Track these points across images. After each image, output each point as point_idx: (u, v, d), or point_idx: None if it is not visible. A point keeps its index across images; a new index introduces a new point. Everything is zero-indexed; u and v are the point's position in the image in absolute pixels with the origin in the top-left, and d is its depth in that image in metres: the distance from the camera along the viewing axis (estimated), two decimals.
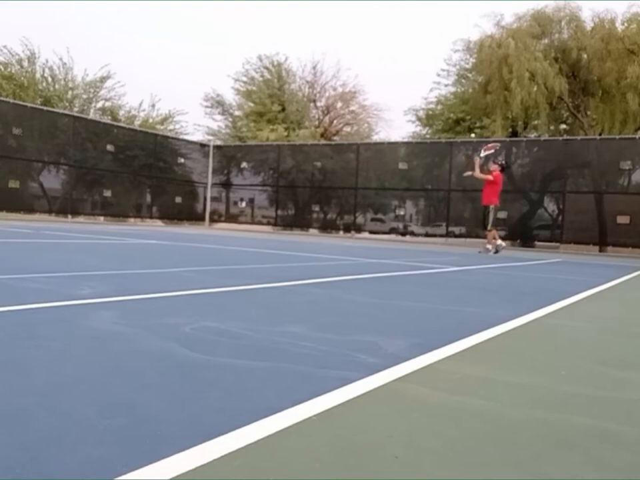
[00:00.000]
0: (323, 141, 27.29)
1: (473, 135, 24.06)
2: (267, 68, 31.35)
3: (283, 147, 22.42)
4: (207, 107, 32.44)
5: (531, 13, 21.05)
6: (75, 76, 26.49)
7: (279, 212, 21.77)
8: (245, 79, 31.55)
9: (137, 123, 27.64)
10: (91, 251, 6.69)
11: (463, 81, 26.27)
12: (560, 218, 17.75)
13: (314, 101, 32.23)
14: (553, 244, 17.23)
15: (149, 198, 21.04)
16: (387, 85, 54.89)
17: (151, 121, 28.48)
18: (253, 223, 22.20)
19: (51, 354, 1.74)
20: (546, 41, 21.25)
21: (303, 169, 21.36)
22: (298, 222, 21.28)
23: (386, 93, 59.81)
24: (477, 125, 25.05)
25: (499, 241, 11.19)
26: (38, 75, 25.62)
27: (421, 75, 48.02)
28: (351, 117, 32.43)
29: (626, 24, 20.03)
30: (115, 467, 0.99)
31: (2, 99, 18.01)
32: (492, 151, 11.50)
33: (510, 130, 22.75)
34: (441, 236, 18.27)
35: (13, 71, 25.08)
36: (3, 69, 24.85)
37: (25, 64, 25.26)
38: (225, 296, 3.30)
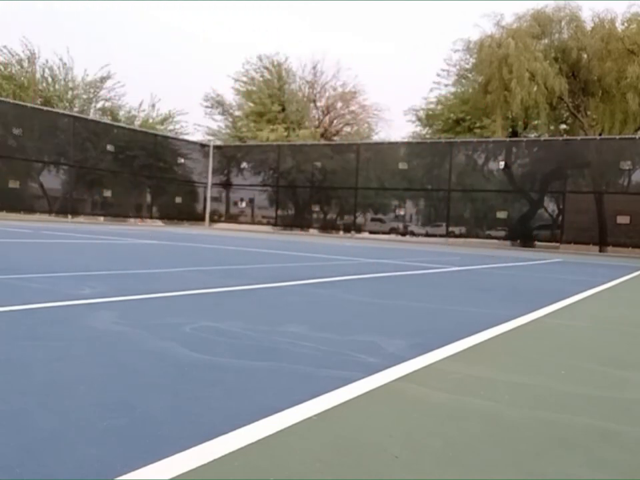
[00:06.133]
0: (323, 141, 27.30)
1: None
2: (266, 68, 31.36)
3: (283, 147, 22.43)
4: (207, 107, 32.48)
5: (531, 12, 21.05)
6: (75, 76, 26.52)
7: (279, 212, 21.78)
8: (245, 79, 31.58)
9: (137, 123, 27.64)
10: (91, 251, 6.69)
11: (463, 80, 26.26)
12: (560, 218, 17.76)
13: (314, 101, 32.24)
14: (553, 244, 17.22)
15: (149, 198, 21.05)
16: (387, 85, 54.85)
17: (150, 121, 28.48)
18: (253, 223, 22.21)
19: (51, 354, 1.74)
20: (546, 41, 21.24)
21: (303, 169, 21.36)
22: (298, 222, 21.28)
23: (386, 93, 59.75)
24: (477, 124, 25.04)
25: None
26: (38, 75, 25.63)
27: (421, 74, 48.00)
28: (350, 117, 32.44)
29: (626, 24, 20.03)
30: (115, 467, 0.99)
31: (2, 99, 18.01)
32: None
33: (510, 130, 22.75)
34: (441, 236, 18.27)
35: (13, 71, 25.09)
36: (3, 69, 24.86)
37: (25, 64, 25.28)
38: (225, 296, 3.30)
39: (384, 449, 1.15)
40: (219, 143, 26.82)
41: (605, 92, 20.21)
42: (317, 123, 31.91)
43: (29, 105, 18.81)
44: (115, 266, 4.77)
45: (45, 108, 19.60)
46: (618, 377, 1.93)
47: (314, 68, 31.85)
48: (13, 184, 16.42)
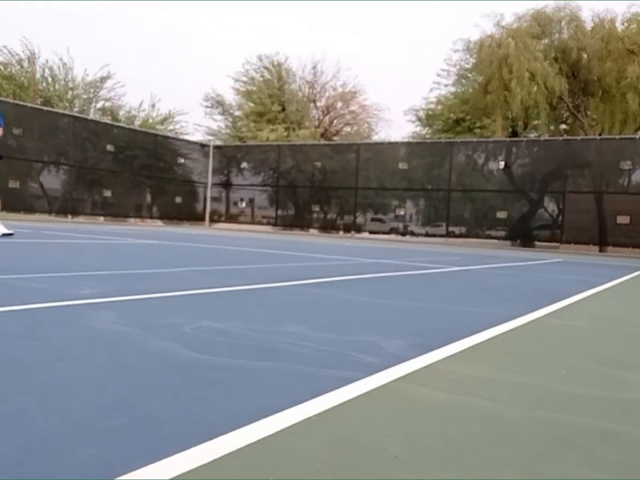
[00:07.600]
0: (323, 141, 27.30)
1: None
2: (266, 68, 31.38)
3: (283, 147, 22.43)
4: (207, 107, 32.51)
5: (531, 12, 21.05)
6: (75, 76, 26.54)
7: (279, 212, 21.78)
8: (245, 79, 31.60)
9: (137, 123, 27.65)
10: (91, 250, 6.69)
11: (463, 80, 26.27)
12: (560, 218, 17.76)
13: (314, 101, 32.24)
14: (553, 244, 17.23)
15: (149, 198, 21.05)
16: (387, 85, 54.84)
17: (150, 121, 28.49)
18: (253, 223, 22.21)
19: (51, 354, 1.74)
20: (546, 41, 21.25)
21: (302, 169, 21.37)
22: (298, 222, 21.28)
23: (386, 93, 59.80)
24: (477, 124, 25.05)
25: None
26: (38, 75, 25.63)
27: (421, 74, 48.10)
28: (350, 117, 32.45)
29: (626, 24, 20.04)
30: (115, 467, 0.99)
31: (2, 98, 18.00)
32: None
33: (510, 130, 22.76)
34: (441, 236, 18.27)
35: (13, 71, 25.10)
36: (3, 69, 24.87)
37: (25, 64, 25.29)
38: (225, 296, 3.30)
39: (384, 449, 1.15)
40: (219, 143, 26.83)
41: (605, 92, 20.22)
42: (317, 123, 31.91)
43: (29, 104, 18.82)
44: (114, 266, 4.77)
45: (45, 108, 19.61)
46: (618, 376, 1.93)
47: (314, 68, 31.88)
48: (13, 184, 16.41)
